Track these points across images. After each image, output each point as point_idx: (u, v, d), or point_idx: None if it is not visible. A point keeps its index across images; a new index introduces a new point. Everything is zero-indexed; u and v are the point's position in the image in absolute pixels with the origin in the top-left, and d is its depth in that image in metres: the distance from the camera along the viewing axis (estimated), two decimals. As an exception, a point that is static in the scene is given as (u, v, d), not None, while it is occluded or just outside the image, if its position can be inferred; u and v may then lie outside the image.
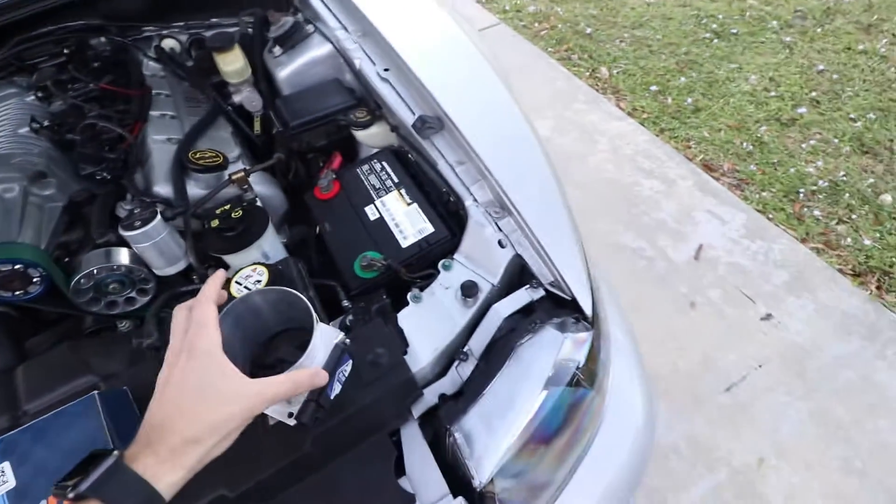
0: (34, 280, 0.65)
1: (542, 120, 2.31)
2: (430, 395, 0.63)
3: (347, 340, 0.53)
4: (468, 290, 0.68)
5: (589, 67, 2.67)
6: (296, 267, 0.71)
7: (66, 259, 0.74)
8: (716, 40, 2.73)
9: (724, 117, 2.29)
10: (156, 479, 0.37)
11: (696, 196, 1.95)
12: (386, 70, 0.91)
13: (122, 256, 0.72)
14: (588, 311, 0.68)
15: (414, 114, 0.85)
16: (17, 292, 0.65)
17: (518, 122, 0.82)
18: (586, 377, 0.68)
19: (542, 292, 0.70)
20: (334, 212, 0.83)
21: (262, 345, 0.58)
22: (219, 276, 0.50)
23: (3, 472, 0.46)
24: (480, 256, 0.73)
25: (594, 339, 0.68)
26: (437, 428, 0.62)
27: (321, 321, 0.55)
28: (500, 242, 0.72)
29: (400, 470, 0.60)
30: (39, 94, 0.89)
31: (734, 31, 2.76)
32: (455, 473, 0.60)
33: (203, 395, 0.41)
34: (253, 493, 0.55)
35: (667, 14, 2.96)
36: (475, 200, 0.76)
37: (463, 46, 0.91)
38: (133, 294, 0.74)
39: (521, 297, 0.69)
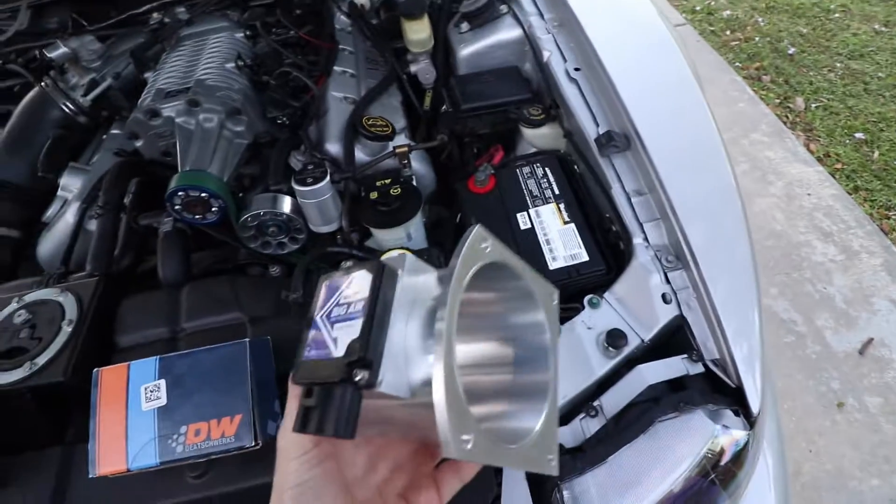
0: (213, 209, 0.71)
1: (708, 144, 2.05)
2: (546, 441, 0.58)
3: None
4: (615, 339, 0.61)
5: (781, 94, 2.30)
6: (438, 261, 0.68)
7: (240, 194, 0.80)
8: (960, 91, 2.19)
9: (947, 190, 1.85)
10: None
11: (881, 278, 1.61)
12: (577, 70, 0.83)
13: (286, 205, 0.75)
14: (754, 407, 0.57)
15: (598, 124, 0.77)
16: (198, 216, 0.71)
17: (720, 159, 0.70)
18: (725, 479, 0.58)
19: (700, 368, 0.60)
20: (485, 209, 0.79)
21: None
22: None
23: (158, 387, 0.51)
24: (636, 305, 0.64)
25: (748, 441, 0.58)
26: (544, 477, 0.57)
27: None
28: (664, 296, 0.63)
29: (494, 506, 0.56)
30: (248, 33, 0.96)
31: None
32: (550, 531, 0.55)
33: None
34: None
35: (900, 48, 2.43)
36: (646, 240, 0.67)
37: (673, 59, 0.80)
38: (285, 240, 0.78)
39: (676, 366, 0.60)
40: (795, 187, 1.89)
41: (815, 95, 2.27)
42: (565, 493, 0.55)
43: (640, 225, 0.68)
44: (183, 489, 0.53)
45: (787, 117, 2.19)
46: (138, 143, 0.81)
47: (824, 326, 1.52)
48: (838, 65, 2.41)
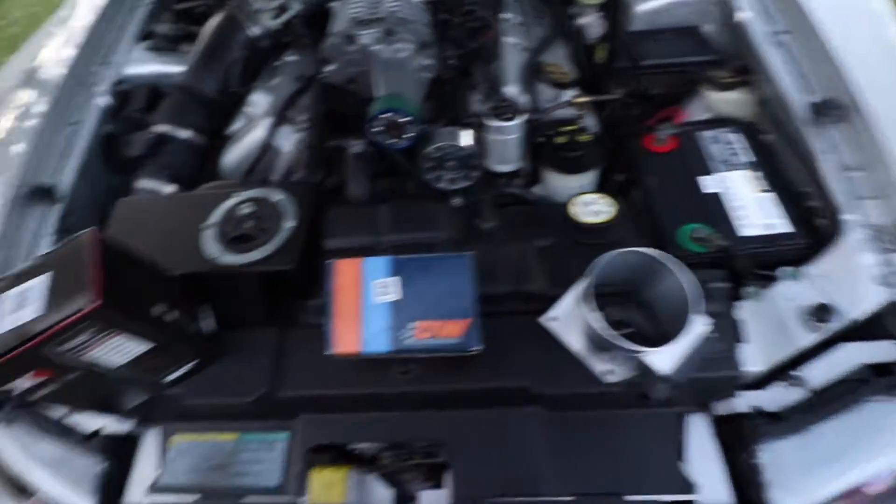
0: (407, 135, 0.73)
1: None
2: (739, 401, 0.57)
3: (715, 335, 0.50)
4: (822, 313, 0.58)
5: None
6: (625, 210, 0.68)
7: (419, 126, 0.81)
8: None
9: None
10: None
11: None
12: (786, 32, 0.77)
13: (469, 139, 0.76)
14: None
15: (810, 92, 0.72)
16: (392, 140, 0.73)
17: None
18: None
19: (913, 356, 0.57)
20: (663, 169, 0.77)
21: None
22: None
23: (390, 284, 0.53)
24: (842, 283, 0.61)
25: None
26: (737, 437, 0.56)
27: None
28: (878, 278, 0.59)
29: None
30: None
31: None
32: (739, 488, 0.55)
33: None
34: (549, 400, 0.57)
35: None
36: (861, 218, 0.63)
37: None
38: (460, 176, 0.79)
39: (886, 350, 0.57)
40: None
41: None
42: (763, 454, 0.54)
43: (857, 200, 0.64)
44: (388, 382, 0.57)
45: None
46: (330, 68, 0.84)
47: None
48: None
